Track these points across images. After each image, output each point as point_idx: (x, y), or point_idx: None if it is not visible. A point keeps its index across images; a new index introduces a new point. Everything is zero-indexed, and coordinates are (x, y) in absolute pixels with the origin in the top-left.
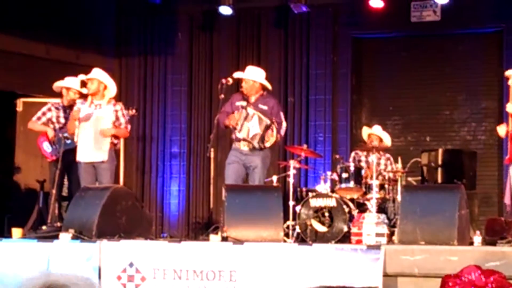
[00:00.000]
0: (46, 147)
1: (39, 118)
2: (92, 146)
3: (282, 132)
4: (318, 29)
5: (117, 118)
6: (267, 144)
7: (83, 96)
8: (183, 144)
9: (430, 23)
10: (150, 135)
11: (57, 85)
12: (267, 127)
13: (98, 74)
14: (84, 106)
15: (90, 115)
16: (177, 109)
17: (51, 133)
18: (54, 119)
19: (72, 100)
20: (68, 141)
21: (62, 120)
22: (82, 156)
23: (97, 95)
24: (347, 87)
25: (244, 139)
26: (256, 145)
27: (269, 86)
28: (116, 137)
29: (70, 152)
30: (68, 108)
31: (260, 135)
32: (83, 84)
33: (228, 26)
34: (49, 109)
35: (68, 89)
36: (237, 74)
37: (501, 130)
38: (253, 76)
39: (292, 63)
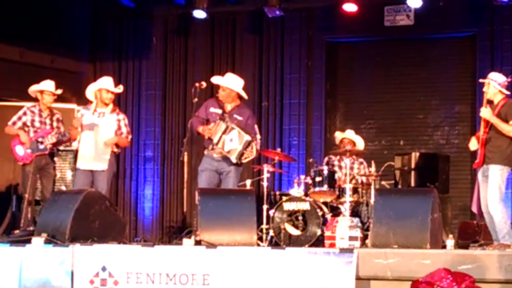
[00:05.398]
0: (19, 150)
1: (14, 123)
2: (93, 155)
3: (258, 146)
4: (292, 34)
5: (119, 128)
6: (245, 161)
7: (87, 103)
8: (157, 148)
9: (403, 27)
10: None
11: (32, 89)
12: (248, 144)
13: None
14: (87, 113)
15: (94, 125)
16: (151, 113)
17: (23, 137)
18: (29, 123)
19: (49, 103)
20: (41, 146)
21: (37, 124)
22: (82, 163)
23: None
24: (321, 91)
25: (215, 149)
26: (234, 160)
27: (245, 96)
28: (117, 145)
29: (42, 156)
30: (44, 112)
31: (239, 151)
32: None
33: (203, 30)
34: (25, 113)
35: (42, 92)
36: (215, 80)
37: (472, 145)
38: (231, 84)
39: (267, 67)
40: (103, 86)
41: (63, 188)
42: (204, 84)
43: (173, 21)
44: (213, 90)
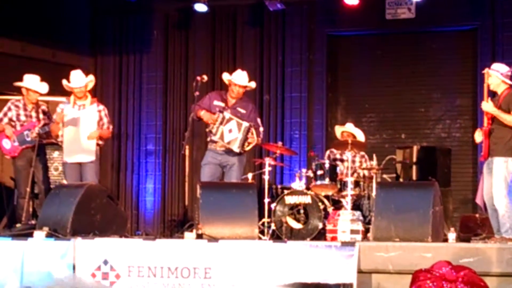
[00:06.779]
0: (5, 143)
1: (1, 120)
2: (79, 148)
3: (260, 135)
4: (294, 27)
5: (100, 118)
6: (247, 148)
7: (67, 95)
8: (158, 142)
9: (405, 20)
10: (125, 133)
11: (17, 84)
12: (248, 130)
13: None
14: (67, 107)
15: (75, 117)
16: (153, 106)
17: (8, 131)
18: (14, 118)
19: (34, 99)
20: (28, 139)
21: (23, 118)
22: (69, 157)
23: (83, 96)
24: (323, 84)
25: (218, 142)
26: (236, 150)
27: (253, 87)
28: (100, 137)
29: (31, 148)
30: (29, 106)
31: (241, 139)
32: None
33: (204, 24)
34: (9, 108)
35: (28, 89)
36: (242, 81)
37: (478, 137)
38: (245, 81)
39: (268, 61)
40: (71, 82)
41: (64, 181)
42: (205, 77)
43: (174, 15)
44: (214, 83)
